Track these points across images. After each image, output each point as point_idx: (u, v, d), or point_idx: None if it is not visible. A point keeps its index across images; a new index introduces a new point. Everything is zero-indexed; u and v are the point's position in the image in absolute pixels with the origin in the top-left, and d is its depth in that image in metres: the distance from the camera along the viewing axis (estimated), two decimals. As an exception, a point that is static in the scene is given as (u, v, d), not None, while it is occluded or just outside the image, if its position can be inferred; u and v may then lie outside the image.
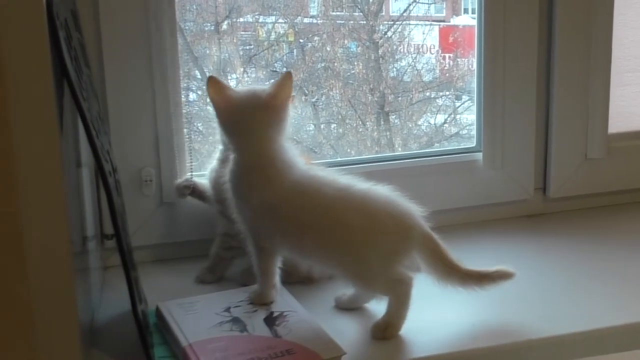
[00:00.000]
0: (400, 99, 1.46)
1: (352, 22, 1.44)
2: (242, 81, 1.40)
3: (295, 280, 1.19)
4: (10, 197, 0.82)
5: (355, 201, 1.06)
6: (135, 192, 1.31)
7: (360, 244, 1.05)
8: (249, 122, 1.07)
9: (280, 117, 1.07)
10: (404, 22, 1.46)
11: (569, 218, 1.54)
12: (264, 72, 1.41)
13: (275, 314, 1.10)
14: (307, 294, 1.20)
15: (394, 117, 1.47)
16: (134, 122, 1.29)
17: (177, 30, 1.28)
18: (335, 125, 1.45)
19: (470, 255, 1.29)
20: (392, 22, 1.46)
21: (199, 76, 1.40)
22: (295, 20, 1.43)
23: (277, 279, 1.13)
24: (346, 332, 1.10)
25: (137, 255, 1.16)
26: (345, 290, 1.15)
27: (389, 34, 1.46)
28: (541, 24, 1.44)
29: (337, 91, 1.45)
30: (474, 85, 1.46)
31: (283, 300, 1.13)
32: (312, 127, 1.43)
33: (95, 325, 1.13)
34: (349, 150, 1.46)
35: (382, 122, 1.47)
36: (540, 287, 1.26)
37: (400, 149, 1.49)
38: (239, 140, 1.08)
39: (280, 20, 1.41)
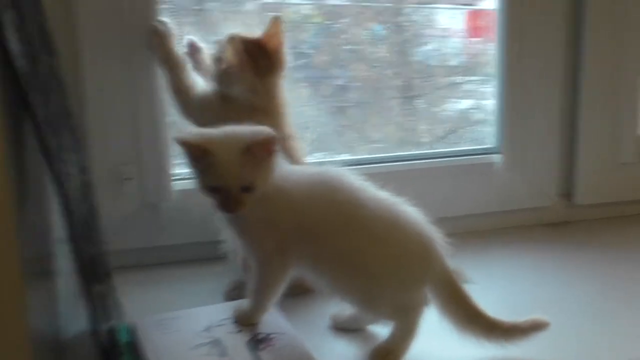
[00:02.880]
0: (425, 83, 1.45)
1: (377, 4, 1.43)
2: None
3: (289, 291, 1.06)
4: None
5: (380, 217, 0.98)
6: (114, 191, 1.27)
7: (375, 262, 0.98)
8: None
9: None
10: (431, 6, 1.45)
11: (595, 227, 1.46)
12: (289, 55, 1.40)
13: (261, 336, 1.02)
14: (301, 308, 1.13)
15: (419, 101, 1.46)
16: (113, 115, 1.25)
17: (156, 15, 1.23)
18: (359, 109, 1.44)
19: (485, 267, 1.30)
20: (418, 5, 1.44)
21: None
22: (322, 2, 1.42)
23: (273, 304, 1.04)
24: (342, 357, 1.03)
25: (119, 260, 1.11)
26: (343, 308, 1.08)
27: (415, 17, 1.44)
28: (568, 18, 1.40)
29: (362, 74, 1.44)
30: (495, 79, 1.41)
31: (271, 319, 1.05)
32: (337, 109, 1.42)
33: (62, 339, 1.04)
34: (371, 134, 1.45)
35: (407, 107, 1.46)
36: (562, 305, 1.17)
37: (424, 135, 1.47)
38: None
39: (307, 2, 1.41)
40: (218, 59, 1.15)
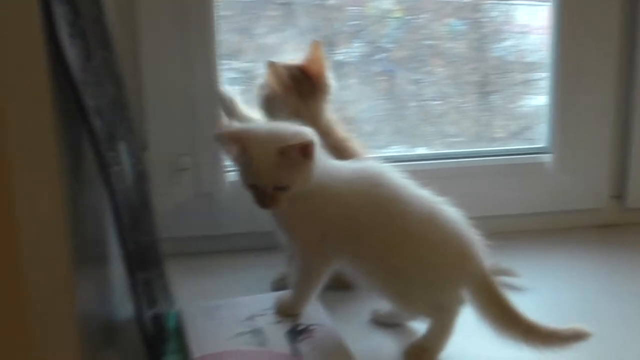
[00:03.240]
0: (502, 79, 1.46)
1: (457, 0, 1.44)
2: (346, 57, 1.43)
3: (331, 285, 1.07)
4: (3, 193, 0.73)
5: (419, 216, 0.99)
6: (171, 181, 1.30)
7: (412, 261, 0.98)
8: None
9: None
10: (510, 2, 1.46)
11: None
12: (369, 48, 1.43)
13: (301, 328, 1.03)
14: (342, 302, 1.14)
15: (495, 97, 1.47)
16: (171, 108, 1.28)
17: (214, 12, 1.27)
18: (436, 103, 1.45)
19: (531, 267, 1.27)
20: (497, 2, 1.45)
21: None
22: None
23: (314, 296, 1.05)
24: (378, 352, 1.04)
25: (172, 248, 1.14)
26: (384, 304, 1.08)
27: (494, 13, 1.45)
28: (624, 15, 1.37)
29: (440, 69, 1.45)
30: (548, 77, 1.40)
31: (312, 311, 1.06)
32: (416, 103, 1.44)
33: (113, 322, 1.06)
34: (447, 129, 1.47)
35: (483, 103, 1.47)
36: (610, 309, 1.14)
37: (498, 130, 1.48)
38: None
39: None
40: (261, 86, 1.17)
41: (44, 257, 0.78)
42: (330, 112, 1.20)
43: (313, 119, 1.14)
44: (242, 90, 1.34)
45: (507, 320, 0.99)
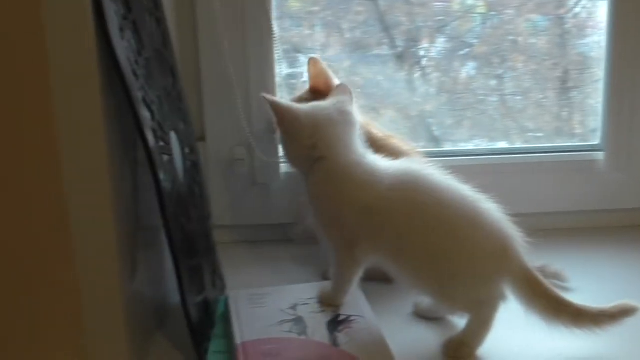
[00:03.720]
0: (583, 75, 1.47)
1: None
2: (429, 51, 1.46)
3: (375, 277, 1.11)
4: (55, 182, 0.81)
5: (458, 214, 1.00)
6: (227, 171, 1.35)
7: (451, 258, 0.99)
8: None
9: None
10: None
11: None
12: (451, 44, 1.46)
13: (341, 318, 1.05)
14: (385, 294, 1.15)
15: (575, 93, 1.48)
16: (227, 100, 1.32)
17: (271, 8, 1.31)
18: (518, 98, 1.48)
19: (583, 266, 1.27)
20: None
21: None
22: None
23: (354, 286, 1.08)
24: (417, 345, 1.05)
25: (226, 236, 1.22)
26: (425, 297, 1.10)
27: (577, 9, 1.46)
28: None
29: (521, 64, 1.47)
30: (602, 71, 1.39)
31: (354, 302, 1.08)
32: (497, 97, 1.47)
33: (165, 308, 1.12)
34: (527, 124, 1.49)
35: (563, 98, 1.49)
36: None
37: (577, 126, 1.50)
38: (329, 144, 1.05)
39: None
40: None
41: (93, 241, 0.85)
42: (361, 114, 1.20)
43: None
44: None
45: (555, 308, 1.00)
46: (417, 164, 1.06)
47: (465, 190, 1.03)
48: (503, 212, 1.03)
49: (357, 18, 1.43)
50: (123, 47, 0.88)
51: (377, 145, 1.14)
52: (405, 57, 1.45)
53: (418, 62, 1.46)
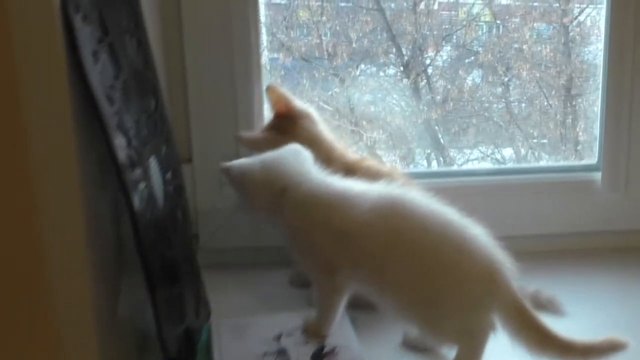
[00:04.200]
0: (588, 82, 1.49)
1: (545, 4, 1.48)
2: (434, 60, 1.48)
3: (363, 305, 1.06)
4: (26, 213, 0.75)
5: (443, 243, 0.97)
6: (214, 193, 1.32)
7: (438, 289, 0.97)
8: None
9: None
10: (598, 6, 1.48)
11: None
12: (457, 52, 1.48)
13: (326, 350, 1.01)
14: (374, 323, 1.12)
15: (579, 100, 1.51)
16: (215, 122, 1.30)
17: (259, 33, 1.31)
18: (524, 105, 1.50)
19: (577, 290, 1.24)
20: (585, 5, 1.48)
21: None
22: (494, 1, 1.49)
23: (339, 315, 1.04)
24: None
25: (213, 259, 1.16)
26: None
27: (581, 17, 1.49)
28: None
29: (526, 72, 1.50)
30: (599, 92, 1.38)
31: (340, 331, 1.04)
32: (502, 105, 1.50)
33: (151, 333, 1.01)
34: (531, 131, 1.52)
35: (568, 105, 1.51)
36: None
37: (582, 133, 1.52)
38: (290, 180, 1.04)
39: (479, 1, 1.48)
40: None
41: (66, 268, 0.79)
42: (331, 135, 1.22)
43: (313, 147, 1.13)
44: (333, 92, 1.43)
45: (543, 341, 0.98)
46: (399, 187, 1.04)
47: (450, 214, 1.00)
48: (491, 237, 1.00)
49: (364, 27, 1.46)
50: (97, 72, 0.85)
51: (352, 169, 1.15)
52: (412, 66, 1.47)
53: (424, 71, 1.48)
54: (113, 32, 0.92)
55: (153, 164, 1.01)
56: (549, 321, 1.06)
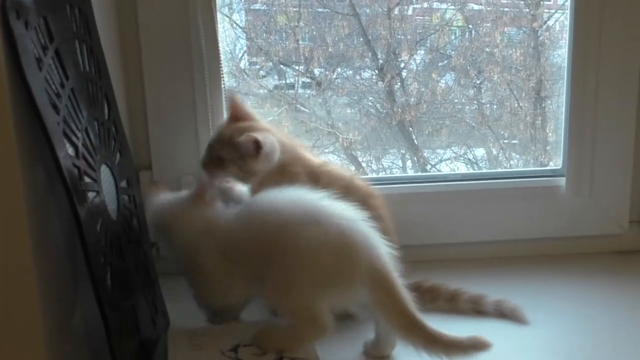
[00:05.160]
0: (556, 85, 1.55)
1: (515, 9, 1.53)
2: (408, 64, 1.54)
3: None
4: None
5: (302, 231, 1.00)
6: None
7: (291, 269, 1.00)
8: None
9: None
10: (566, 11, 1.53)
11: None
12: (430, 56, 1.54)
13: None
14: (340, 332, 1.07)
15: (549, 102, 1.56)
16: (173, 127, 1.31)
17: (217, 29, 1.29)
18: (495, 107, 1.56)
19: (542, 296, 1.24)
20: (553, 10, 1.53)
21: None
22: (466, 7, 1.53)
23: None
24: None
25: (172, 266, 1.12)
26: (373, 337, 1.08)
27: (550, 22, 1.54)
28: None
29: (497, 75, 1.55)
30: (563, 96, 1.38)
31: None
32: (474, 106, 1.55)
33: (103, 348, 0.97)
34: (502, 132, 1.57)
35: (538, 107, 1.56)
36: (627, 340, 1.11)
37: (551, 134, 1.57)
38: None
39: (452, 7, 1.52)
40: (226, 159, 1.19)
41: (12, 281, 0.80)
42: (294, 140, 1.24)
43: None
44: (310, 95, 1.48)
45: (408, 328, 0.99)
46: (264, 199, 1.08)
47: (318, 206, 1.04)
48: (367, 225, 1.03)
49: (340, 32, 1.52)
50: (41, 78, 0.84)
51: (316, 172, 1.19)
52: (386, 69, 1.53)
53: (398, 74, 1.54)
54: (60, 39, 0.91)
55: (105, 173, 1.01)
56: (513, 329, 1.12)
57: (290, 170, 1.17)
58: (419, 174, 1.55)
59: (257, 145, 1.13)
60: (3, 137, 0.78)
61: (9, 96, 0.78)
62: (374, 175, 1.53)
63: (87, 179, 0.92)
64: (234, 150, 1.15)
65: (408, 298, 1.00)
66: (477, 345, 0.98)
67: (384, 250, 1.02)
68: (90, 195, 0.92)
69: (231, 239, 1.07)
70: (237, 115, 1.21)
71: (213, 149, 1.18)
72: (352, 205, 1.05)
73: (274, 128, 1.21)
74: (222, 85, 1.33)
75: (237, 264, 1.07)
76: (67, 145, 0.88)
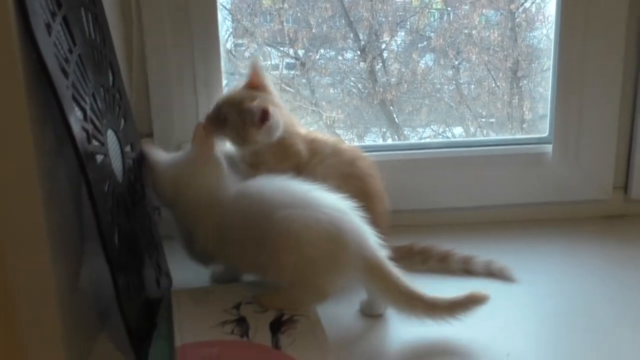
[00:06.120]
0: (532, 65, 1.60)
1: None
2: (389, 45, 1.59)
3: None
4: None
5: (288, 223, 1.02)
6: None
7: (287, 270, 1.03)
8: None
9: None
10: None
11: None
12: (410, 37, 1.58)
13: (285, 318, 1.03)
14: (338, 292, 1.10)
15: (525, 81, 1.61)
16: (173, 95, 1.34)
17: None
18: (473, 86, 1.61)
19: (530, 258, 1.29)
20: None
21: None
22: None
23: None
24: (363, 343, 1.04)
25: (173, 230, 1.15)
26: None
27: (527, 4, 1.59)
28: (631, 2, 1.36)
29: (475, 56, 1.60)
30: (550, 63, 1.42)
31: None
32: (453, 86, 1.60)
33: (113, 304, 0.99)
34: (481, 110, 1.62)
35: (515, 86, 1.62)
36: (611, 300, 1.15)
37: (528, 112, 1.63)
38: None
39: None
40: (227, 121, 1.20)
41: (25, 240, 0.83)
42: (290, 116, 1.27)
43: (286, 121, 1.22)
44: (294, 75, 1.52)
45: (407, 302, 1.02)
46: (257, 184, 1.11)
47: (303, 191, 1.07)
48: (349, 209, 1.05)
49: (323, 14, 1.56)
50: (50, 43, 0.86)
51: (307, 139, 1.24)
52: (368, 50, 1.57)
53: (380, 55, 1.58)
54: (67, 6, 0.93)
55: (111, 138, 1.03)
56: (501, 288, 1.16)
57: (287, 143, 1.20)
58: (413, 141, 1.59)
59: (264, 117, 1.15)
60: (15, 100, 0.80)
61: (20, 60, 0.79)
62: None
63: (95, 142, 0.95)
64: (239, 115, 1.17)
65: (400, 276, 1.03)
66: (476, 300, 1.02)
67: (372, 237, 1.05)
68: (98, 157, 0.95)
69: (227, 220, 1.10)
70: (255, 83, 1.23)
71: (220, 108, 1.20)
72: (344, 197, 1.07)
73: (283, 106, 1.24)
74: (220, 56, 1.36)
75: (229, 243, 1.09)
76: (76, 109, 0.90)
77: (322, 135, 1.28)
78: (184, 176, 1.12)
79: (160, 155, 1.19)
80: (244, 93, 1.21)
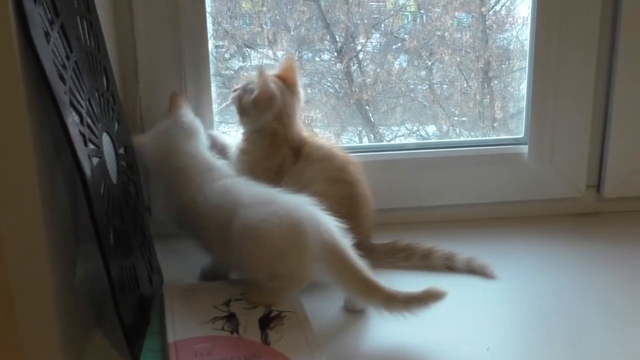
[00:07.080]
0: (503, 66, 1.66)
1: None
2: (365, 47, 1.63)
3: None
4: None
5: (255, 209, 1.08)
6: None
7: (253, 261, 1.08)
8: None
9: None
10: (512, -3, 1.63)
11: (624, 220, 1.45)
12: (385, 39, 1.63)
13: (273, 314, 1.06)
14: (317, 290, 1.15)
15: (496, 82, 1.67)
16: (165, 98, 1.33)
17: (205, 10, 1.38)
18: (445, 86, 1.66)
19: (508, 255, 1.32)
20: (500, -4, 1.64)
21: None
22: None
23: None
24: (348, 339, 1.08)
25: (166, 229, 1.21)
26: None
27: (497, 7, 1.64)
28: (603, 5, 1.40)
29: (447, 57, 1.65)
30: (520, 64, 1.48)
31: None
32: (426, 86, 1.65)
33: (108, 301, 1.02)
34: (453, 110, 1.68)
35: (486, 86, 1.67)
36: (585, 297, 1.17)
37: (499, 111, 1.68)
38: None
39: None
40: (246, 91, 1.30)
41: (23, 239, 0.86)
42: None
43: (290, 122, 1.30)
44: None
45: (366, 292, 1.05)
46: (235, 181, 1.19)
47: (269, 192, 1.13)
48: (306, 203, 1.10)
49: (301, 17, 1.60)
50: (49, 50, 0.89)
51: (301, 143, 1.30)
52: (345, 51, 1.62)
53: (356, 56, 1.63)
54: (64, 14, 0.97)
55: (106, 141, 1.07)
56: (481, 285, 1.21)
57: (278, 143, 1.28)
58: (392, 142, 1.64)
59: (266, 99, 1.24)
60: (16, 105, 0.83)
61: (20, 67, 0.83)
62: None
63: (91, 145, 0.98)
64: (251, 89, 1.27)
65: (361, 265, 1.06)
66: (433, 296, 1.04)
67: (332, 225, 1.08)
68: (94, 160, 0.98)
69: (202, 212, 1.16)
70: (285, 77, 1.31)
71: (248, 82, 1.30)
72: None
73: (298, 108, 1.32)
74: (209, 59, 1.42)
75: (202, 231, 1.17)
76: (73, 113, 0.94)
77: (320, 139, 1.34)
78: (159, 140, 1.22)
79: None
80: (271, 78, 1.29)
